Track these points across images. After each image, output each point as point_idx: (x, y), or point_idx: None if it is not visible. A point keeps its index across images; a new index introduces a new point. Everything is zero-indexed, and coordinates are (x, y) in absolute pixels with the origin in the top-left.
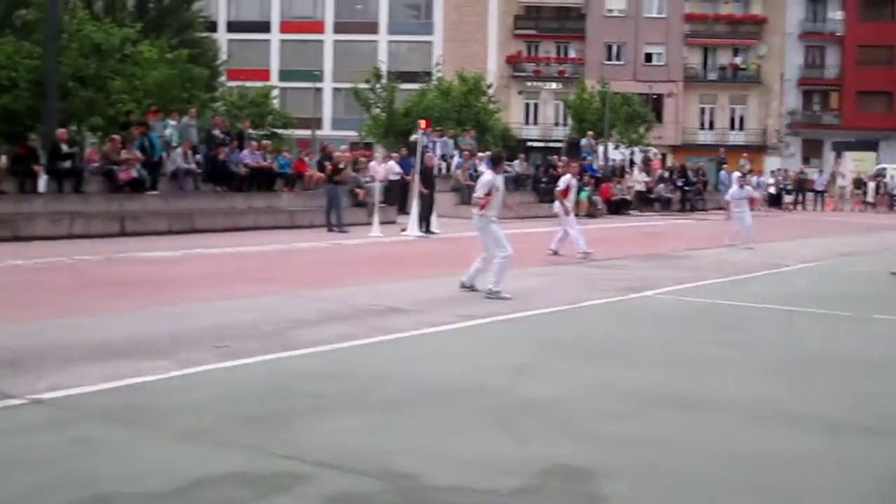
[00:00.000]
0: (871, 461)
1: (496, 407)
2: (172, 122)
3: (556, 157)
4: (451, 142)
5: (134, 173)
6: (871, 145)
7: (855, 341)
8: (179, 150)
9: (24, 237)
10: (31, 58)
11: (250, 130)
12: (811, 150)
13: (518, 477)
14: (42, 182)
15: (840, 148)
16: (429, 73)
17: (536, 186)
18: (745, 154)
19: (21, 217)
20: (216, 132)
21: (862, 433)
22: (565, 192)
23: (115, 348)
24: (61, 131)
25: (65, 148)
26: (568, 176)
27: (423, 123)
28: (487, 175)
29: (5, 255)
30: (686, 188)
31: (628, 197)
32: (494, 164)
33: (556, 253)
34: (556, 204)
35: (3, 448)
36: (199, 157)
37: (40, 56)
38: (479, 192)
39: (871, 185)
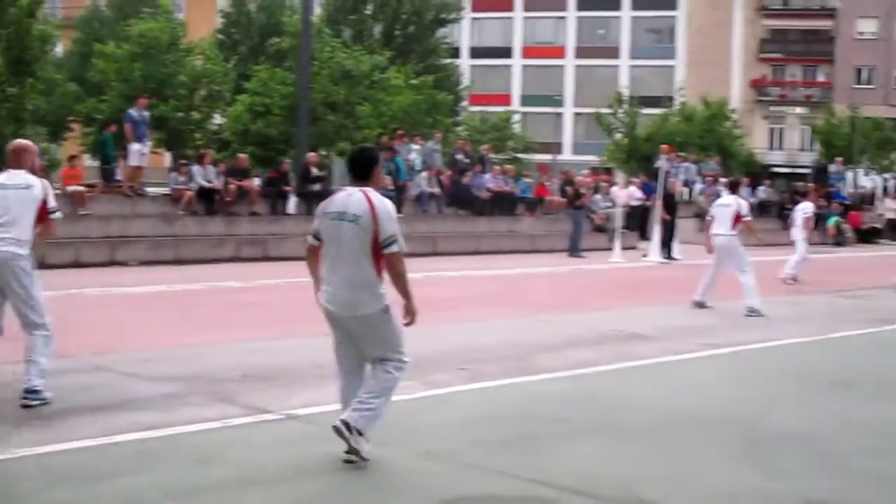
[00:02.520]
0: None
1: (744, 438)
2: (416, 147)
3: (801, 183)
4: (693, 167)
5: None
6: None
7: None
8: (424, 173)
9: (274, 257)
10: (284, 84)
11: (492, 155)
12: None
13: None
14: (291, 204)
15: None
16: (671, 98)
17: (781, 213)
18: None
19: (272, 238)
20: (459, 156)
21: None
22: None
23: None
24: (311, 155)
25: (315, 171)
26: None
27: (666, 148)
28: (730, 198)
29: (260, 275)
30: None
31: (879, 225)
32: (732, 189)
33: (794, 279)
34: (796, 231)
35: (263, 462)
36: (442, 180)
37: (293, 83)
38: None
39: None
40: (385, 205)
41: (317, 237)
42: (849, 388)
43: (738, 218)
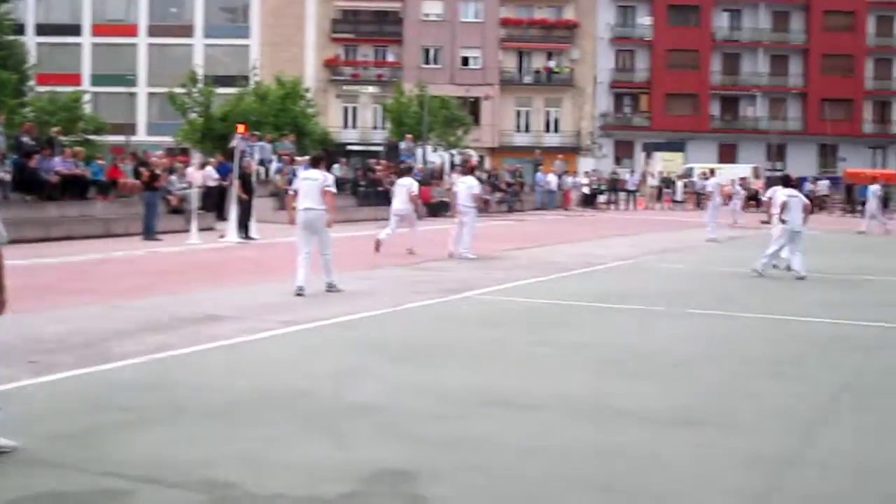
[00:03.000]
0: (687, 452)
1: (320, 412)
2: None
3: (374, 160)
4: (269, 147)
5: None
6: (678, 146)
7: (669, 336)
8: None
9: None
10: None
11: (61, 137)
12: (623, 151)
13: (343, 482)
14: None
15: (650, 149)
16: (246, 78)
17: (356, 190)
18: (560, 156)
19: None
20: (25, 139)
21: (676, 425)
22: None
23: None
24: None
25: None
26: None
27: (240, 128)
28: (316, 172)
29: None
30: (504, 190)
31: (447, 199)
32: (314, 164)
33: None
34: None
35: None
36: (7, 164)
37: None
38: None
39: (680, 184)
40: None
41: None
42: (418, 356)
43: (325, 192)
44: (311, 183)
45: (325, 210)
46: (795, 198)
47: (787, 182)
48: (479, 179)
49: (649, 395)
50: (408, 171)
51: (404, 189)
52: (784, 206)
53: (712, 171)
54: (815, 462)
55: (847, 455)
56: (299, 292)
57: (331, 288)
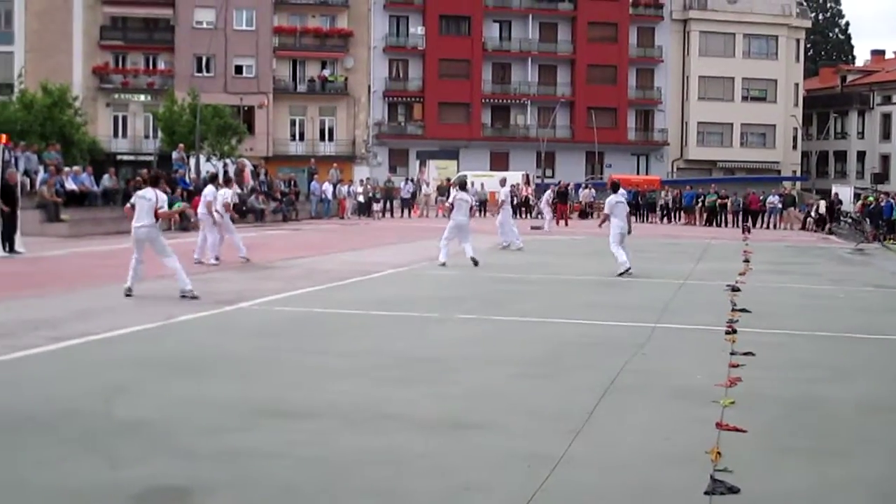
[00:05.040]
0: (454, 453)
1: (90, 431)
2: None
3: (146, 170)
4: (34, 157)
5: None
6: (452, 154)
7: (441, 341)
8: None
9: None
10: None
11: None
12: (398, 159)
13: (113, 502)
14: None
15: (424, 157)
16: (10, 86)
17: (127, 201)
18: (335, 164)
19: None
20: None
21: (444, 428)
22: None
23: None
24: None
25: None
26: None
27: (3, 138)
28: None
29: None
30: (280, 199)
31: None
32: (153, 184)
33: (200, 262)
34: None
35: None
36: None
37: None
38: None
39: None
40: None
41: None
42: (191, 370)
43: (156, 211)
44: (145, 202)
45: (155, 226)
46: (622, 203)
47: (615, 188)
48: (255, 189)
49: (422, 399)
50: (212, 180)
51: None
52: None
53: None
54: (578, 460)
55: (607, 453)
56: (127, 293)
57: (185, 294)
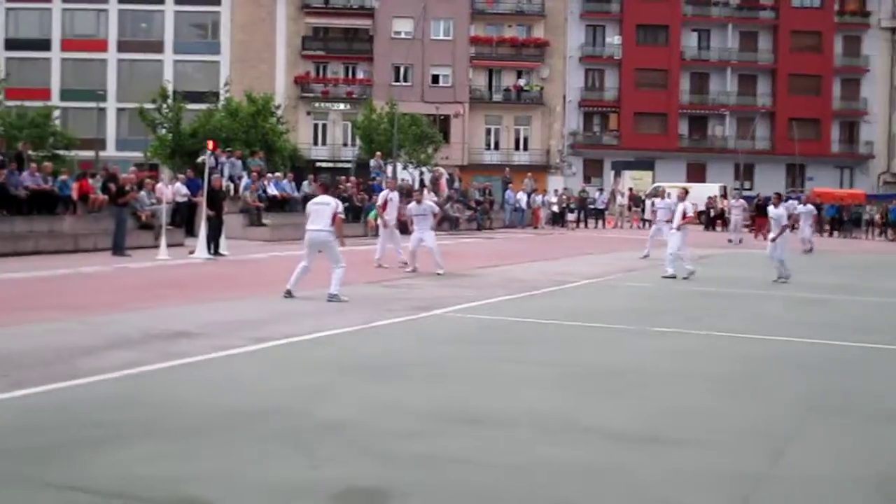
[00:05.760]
0: (651, 469)
1: (291, 430)
2: None
3: (344, 177)
4: (239, 163)
5: None
6: (647, 164)
7: (638, 354)
8: None
9: None
10: None
11: (30, 152)
12: (592, 170)
13: (313, 500)
14: None
15: (619, 167)
16: (216, 94)
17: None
18: (529, 174)
19: None
20: None
21: (640, 442)
22: (384, 206)
23: None
24: None
25: None
26: (386, 191)
27: (210, 144)
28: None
29: None
30: (474, 208)
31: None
32: (324, 190)
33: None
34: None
35: None
36: None
37: None
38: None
39: (648, 202)
40: None
41: None
42: (389, 374)
43: (335, 216)
44: (325, 207)
45: (331, 231)
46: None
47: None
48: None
49: (618, 412)
50: (406, 192)
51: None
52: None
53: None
54: (782, 483)
55: (812, 476)
56: (287, 294)
57: (331, 298)
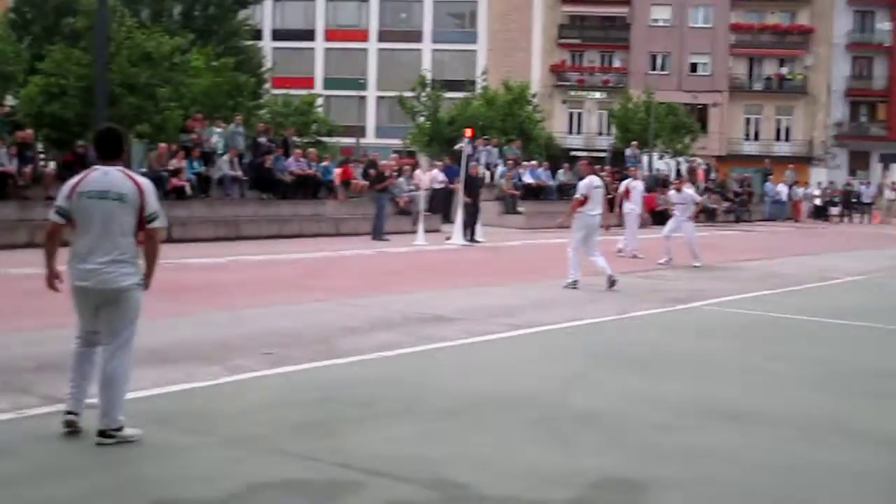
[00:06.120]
0: None
1: (547, 417)
2: (218, 130)
3: (599, 166)
4: (495, 151)
5: (184, 179)
6: None
7: None
8: (226, 157)
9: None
10: (79, 65)
11: (295, 138)
12: (858, 162)
13: (570, 488)
14: None
15: (888, 160)
16: (473, 82)
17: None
18: (791, 166)
19: None
20: (262, 139)
21: None
22: (627, 194)
23: (165, 354)
24: None
25: None
26: (628, 179)
27: (468, 132)
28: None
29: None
30: (732, 200)
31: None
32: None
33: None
34: (626, 206)
35: (60, 452)
36: (244, 164)
37: (89, 64)
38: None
39: None
40: (148, 182)
41: (63, 214)
42: (645, 366)
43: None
44: (601, 191)
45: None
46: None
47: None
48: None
49: (890, 417)
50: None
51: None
52: None
53: None
54: None
55: None
56: (573, 286)
57: (613, 279)
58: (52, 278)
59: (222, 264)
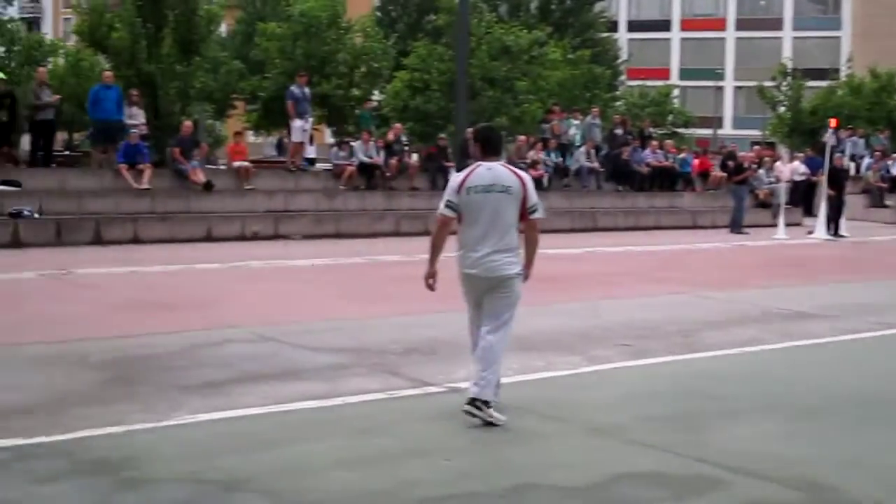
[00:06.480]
0: None
1: None
2: (576, 122)
3: None
4: (861, 142)
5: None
6: None
7: None
8: (583, 149)
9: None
10: (442, 60)
11: (651, 129)
12: None
13: None
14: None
15: None
16: (837, 70)
17: None
18: None
19: (432, 212)
20: (618, 131)
21: None
22: None
23: (527, 342)
24: (471, 131)
25: None
26: None
27: (832, 122)
28: None
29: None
30: None
31: None
32: None
33: None
34: None
35: (427, 433)
36: (601, 155)
37: (451, 59)
38: None
39: None
40: (529, 176)
41: (454, 209)
42: None
43: None
44: None
45: None
46: None
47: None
48: None
49: None
50: None
51: None
52: None
53: None
54: None
55: None
56: None
57: None
58: (430, 277)
59: (579, 255)
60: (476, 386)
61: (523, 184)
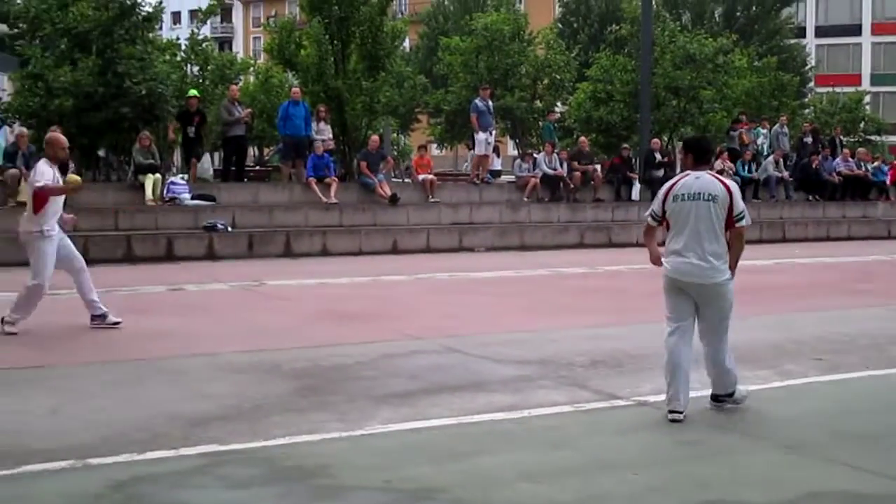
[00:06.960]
0: None
1: None
2: (763, 131)
3: None
4: None
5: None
6: None
7: None
8: (771, 158)
9: (618, 244)
10: (625, 70)
11: (842, 137)
12: None
13: None
14: (636, 190)
15: None
16: None
17: None
18: None
19: (616, 224)
20: (807, 140)
21: None
22: None
23: None
24: (655, 141)
25: (658, 157)
26: None
27: None
28: None
29: (605, 261)
30: None
31: None
32: None
33: None
34: None
35: (615, 447)
36: (790, 165)
37: (634, 69)
38: None
39: None
40: (735, 185)
41: (655, 218)
42: None
43: None
44: None
45: None
46: None
47: None
48: None
49: None
50: None
51: None
52: None
53: None
54: None
55: None
56: None
57: None
58: (655, 257)
59: (768, 266)
60: (715, 387)
61: (729, 192)
